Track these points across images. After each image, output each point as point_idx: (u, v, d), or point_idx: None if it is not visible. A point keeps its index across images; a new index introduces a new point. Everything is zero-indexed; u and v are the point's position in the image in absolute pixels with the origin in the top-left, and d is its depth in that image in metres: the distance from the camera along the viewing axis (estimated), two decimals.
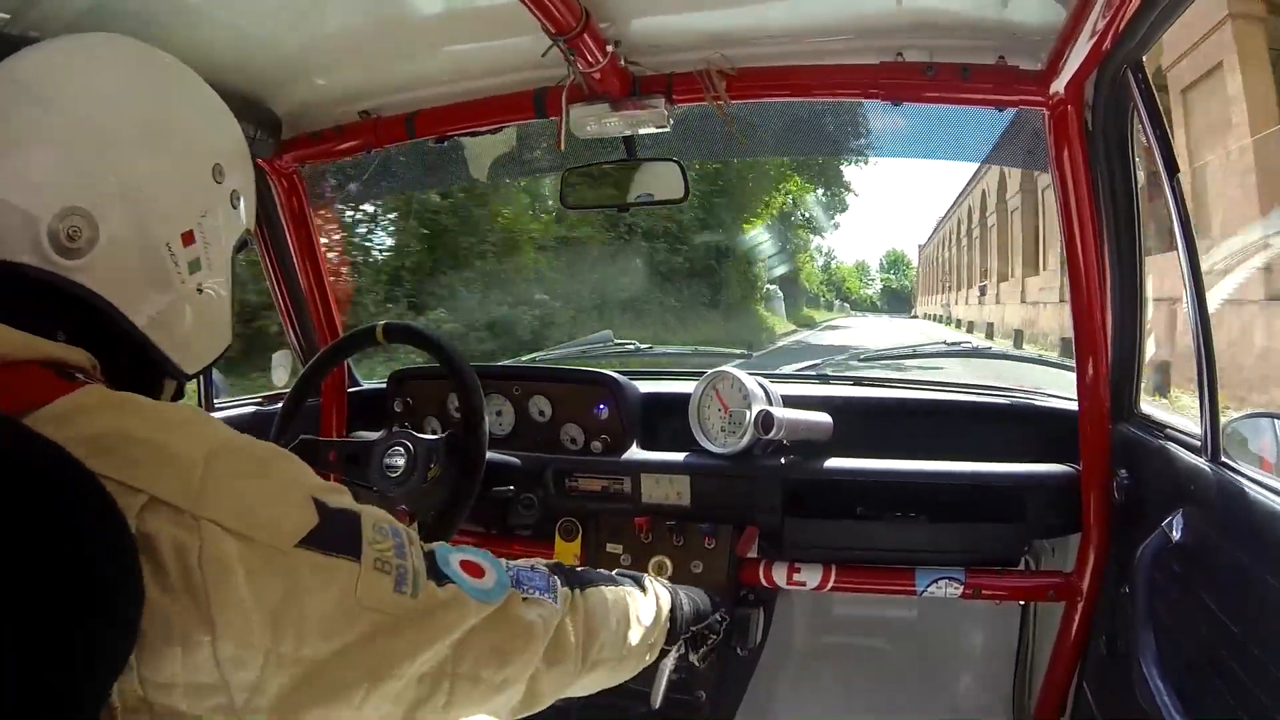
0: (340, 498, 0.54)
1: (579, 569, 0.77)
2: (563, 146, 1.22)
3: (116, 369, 0.58)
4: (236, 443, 0.52)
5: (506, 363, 1.99)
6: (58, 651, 0.40)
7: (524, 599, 0.64)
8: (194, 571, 0.45)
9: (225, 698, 0.46)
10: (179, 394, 0.69)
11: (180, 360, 0.64)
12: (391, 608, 0.52)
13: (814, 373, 1.71)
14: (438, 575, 0.57)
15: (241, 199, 0.69)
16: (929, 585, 1.29)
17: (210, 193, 0.65)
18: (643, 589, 0.88)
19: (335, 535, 0.51)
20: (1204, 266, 0.96)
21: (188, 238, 0.63)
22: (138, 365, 0.62)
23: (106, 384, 0.56)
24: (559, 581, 0.70)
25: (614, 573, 0.86)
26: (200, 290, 0.65)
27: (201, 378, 1.46)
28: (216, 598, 0.45)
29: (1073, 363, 1.20)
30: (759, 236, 18.36)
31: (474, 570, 0.60)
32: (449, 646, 0.56)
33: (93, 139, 0.57)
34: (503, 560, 0.65)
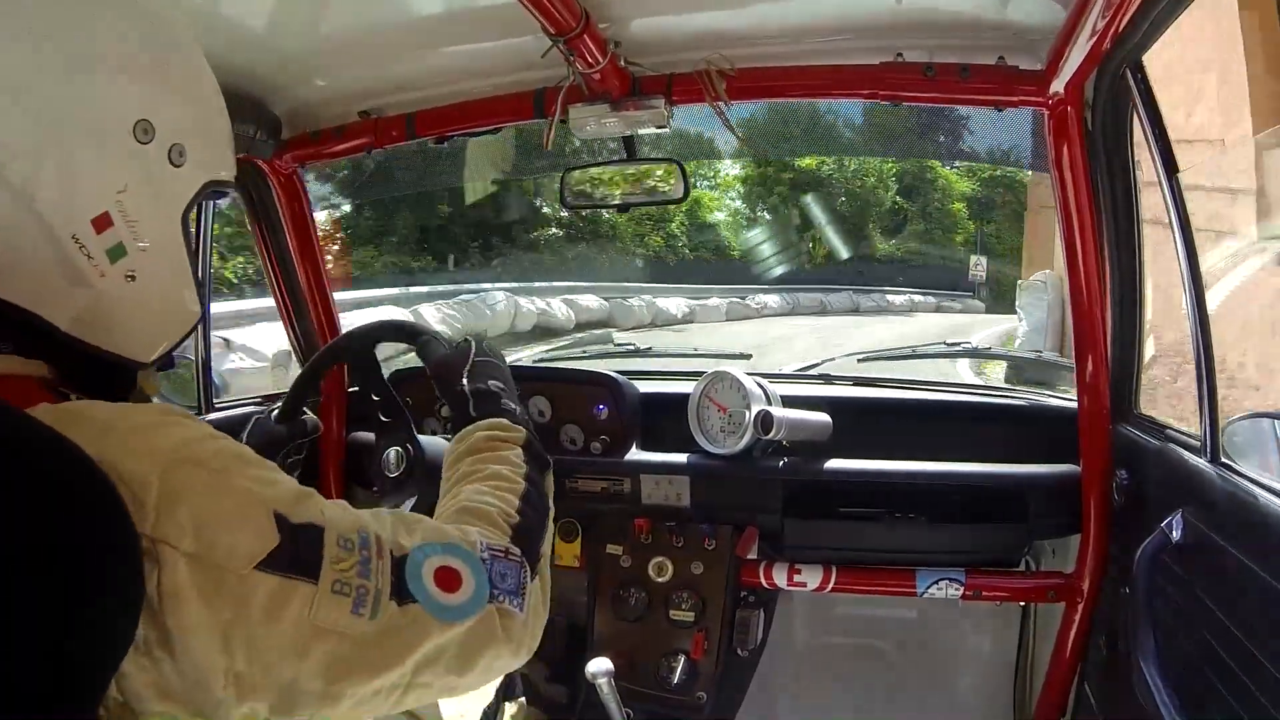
0: (306, 507, 0.52)
1: (532, 534, 0.67)
2: (549, 146, 1.22)
3: (74, 372, 0.55)
4: (195, 453, 0.48)
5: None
6: (68, 631, 0.40)
7: (498, 610, 0.59)
8: (152, 597, 0.45)
9: (195, 709, 0.47)
10: (169, 364, 0.64)
11: (129, 352, 0.57)
12: (348, 630, 0.50)
13: (814, 373, 1.71)
14: (401, 593, 0.53)
15: (187, 151, 0.58)
16: (929, 586, 1.29)
17: (131, 159, 0.55)
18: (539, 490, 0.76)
19: (294, 555, 0.49)
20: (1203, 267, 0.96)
21: (101, 222, 0.53)
22: (90, 365, 0.56)
23: (72, 389, 0.54)
24: (527, 577, 0.63)
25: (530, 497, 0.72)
26: (131, 277, 0.55)
27: (200, 376, 1.46)
28: (174, 622, 0.45)
29: (1072, 362, 1.21)
30: None
31: (449, 581, 0.56)
32: (410, 666, 0.54)
33: None
34: (485, 548, 0.60)
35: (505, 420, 0.76)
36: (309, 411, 1.17)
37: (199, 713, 0.47)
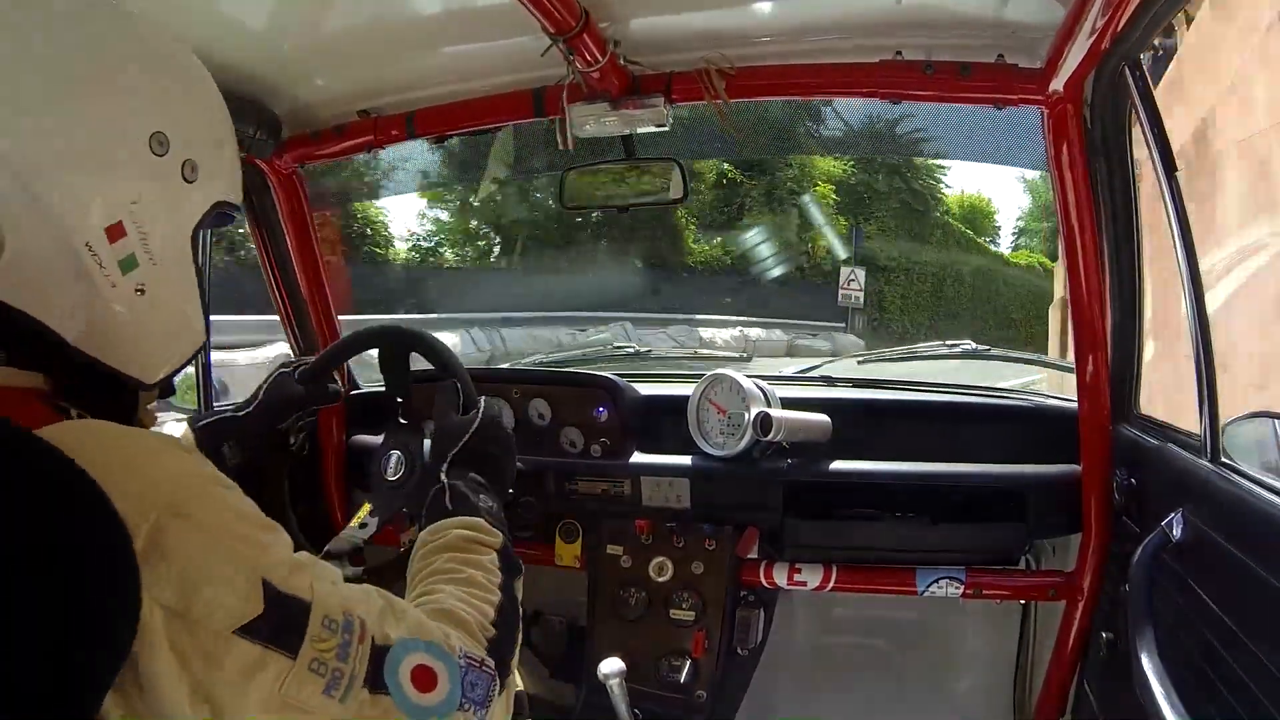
0: (298, 579, 0.51)
1: (505, 648, 0.66)
2: (569, 146, 1.22)
3: (73, 387, 0.54)
4: (190, 505, 0.47)
5: (506, 365, 1.99)
6: (69, 632, 0.41)
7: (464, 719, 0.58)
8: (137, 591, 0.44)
9: None
10: (169, 390, 0.64)
11: (133, 371, 0.57)
12: (317, 710, 0.50)
13: (813, 374, 1.71)
14: (376, 683, 0.53)
15: (199, 167, 0.58)
16: (930, 585, 1.29)
17: (146, 171, 0.55)
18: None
19: (276, 627, 0.48)
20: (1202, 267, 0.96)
21: (115, 231, 0.53)
22: (91, 381, 0.55)
23: (72, 404, 0.53)
24: (495, 690, 0.62)
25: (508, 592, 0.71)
26: (141, 291, 0.55)
27: (201, 377, 1.46)
28: (144, 661, 0.45)
29: (1071, 362, 1.20)
30: None
31: (425, 682, 0.55)
32: None
33: None
34: (464, 656, 0.59)
35: (482, 521, 0.74)
36: (336, 378, 1.16)
37: None
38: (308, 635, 0.50)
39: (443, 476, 0.80)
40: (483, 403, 0.91)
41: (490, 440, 0.87)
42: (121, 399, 0.59)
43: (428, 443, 1.10)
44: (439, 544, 0.71)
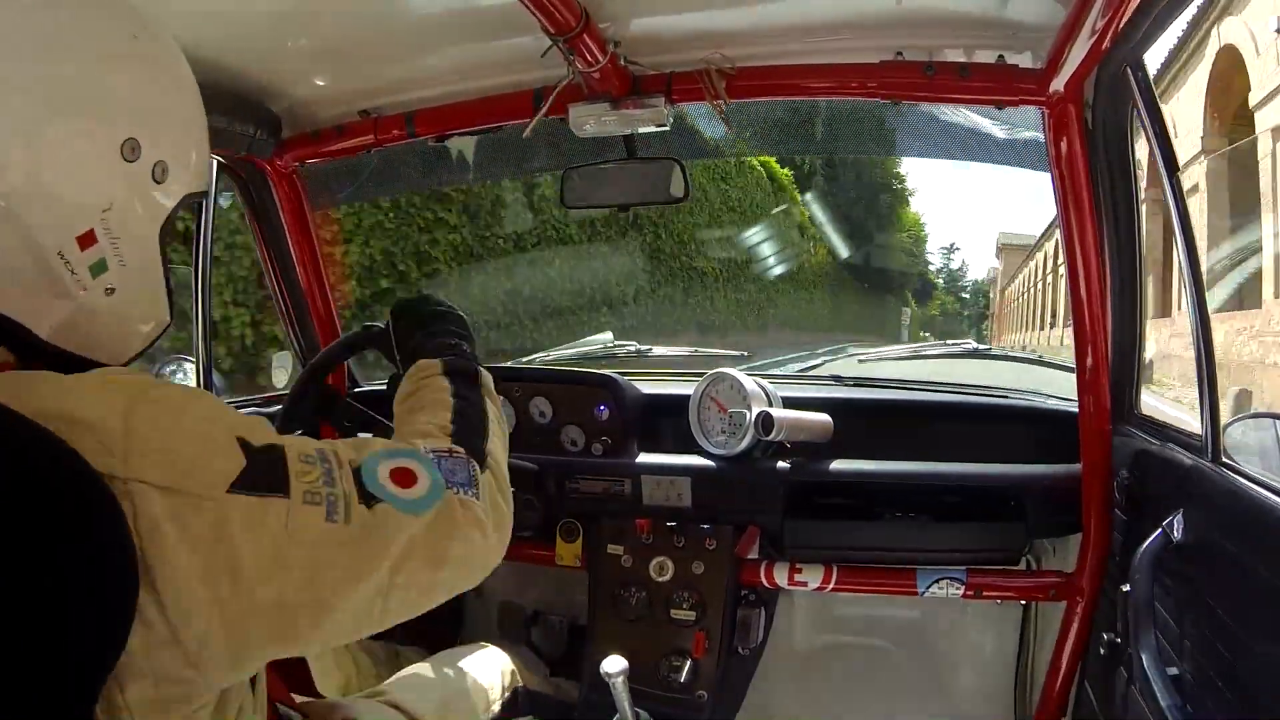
0: (263, 432, 0.53)
1: (471, 435, 0.68)
2: (528, 134, 1.21)
3: (37, 362, 0.55)
4: (151, 393, 0.49)
5: (507, 364, 1.99)
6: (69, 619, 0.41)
7: (458, 500, 0.61)
8: (130, 537, 0.45)
9: (180, 650, 0.47)
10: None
11: (102, 358, 0.59)
12: (326, 537, 0.52)
13: (815, 373, 1.71)
14: (367, 496, 0.55)
15: (170, 169, 0.59)
16: (930, 585, 1.29)
17: (118, 178, 0.55)
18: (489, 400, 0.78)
19: (263, 474, 0.50)
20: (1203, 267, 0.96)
21: (86, 239, 0.54)
22: (59, 360, 0.56)
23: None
24: (477, 469, 0.64)
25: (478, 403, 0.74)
26: (110, 291, 0.57)
27: (201, 377, 1.46)
28: (155, 558, 0.45)
29: (1072, 363, 1.20)
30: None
31: (405, 479, 0.58)
32: (387, 566, 0.55)
33: None
34: (430, 450, 0.62)
35: (422, 361, 0.76)
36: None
37: (183, 658, 0.47)
38: (291, 472, 0.52)
39: (398, 357, 0.86)
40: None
41: (411, 313, 0.88)
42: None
43: None
44: (400, 410, 0.74)
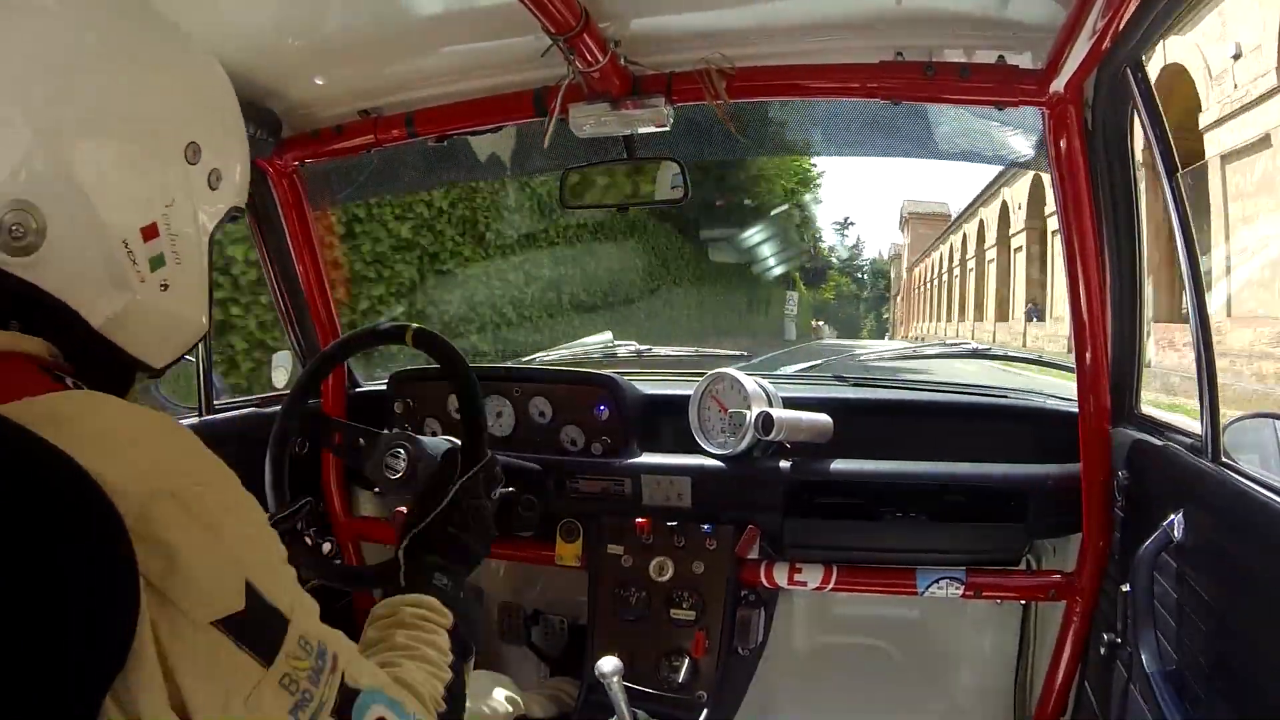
0: (282, 591, 0.50)
1: (454, 716, 0.68)
2: (546, 144, 1.22)
3: (81, 360, 0.55)
4: (183, 488, 0.46)
5: (507, 364, 1.99)
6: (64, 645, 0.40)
7: None
8: (131, 543, 0.43)
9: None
10: (160, 374, 0.66)
11: (147, 356, 0.60)
12: None
13: (814, 373, 1.71)
14: (343, 717, 0.52)
15: (223, 176, 0.63)
16: (930, 585, 1.29)
17: (180, 178, 0.59)
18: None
19: (255, 630, 0.47)
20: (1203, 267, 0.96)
21: (149, 231, 0.57)
22: (103, 358, 0.58)
23: (70, 373, 0.54)
24: None
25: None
26: (165, 287, 0.59)
27: (201, 377, 1.46)
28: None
29: (1073, 363, 1.21)
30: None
31: None
32: None
33: (37, 121, 0.51)
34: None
35: (436, 602, 0.76)
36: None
37: None
38: (283, 649, 0.48)
39: (399, 555, 0.83)
40: (465, 479, 0.90)
41: (458, 524, 0.86)
42: (120, 377, 0.61)
43: (429, 440, 1.10)
44: (393, 620, 0.73)
